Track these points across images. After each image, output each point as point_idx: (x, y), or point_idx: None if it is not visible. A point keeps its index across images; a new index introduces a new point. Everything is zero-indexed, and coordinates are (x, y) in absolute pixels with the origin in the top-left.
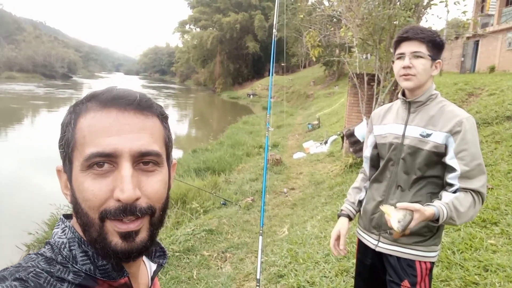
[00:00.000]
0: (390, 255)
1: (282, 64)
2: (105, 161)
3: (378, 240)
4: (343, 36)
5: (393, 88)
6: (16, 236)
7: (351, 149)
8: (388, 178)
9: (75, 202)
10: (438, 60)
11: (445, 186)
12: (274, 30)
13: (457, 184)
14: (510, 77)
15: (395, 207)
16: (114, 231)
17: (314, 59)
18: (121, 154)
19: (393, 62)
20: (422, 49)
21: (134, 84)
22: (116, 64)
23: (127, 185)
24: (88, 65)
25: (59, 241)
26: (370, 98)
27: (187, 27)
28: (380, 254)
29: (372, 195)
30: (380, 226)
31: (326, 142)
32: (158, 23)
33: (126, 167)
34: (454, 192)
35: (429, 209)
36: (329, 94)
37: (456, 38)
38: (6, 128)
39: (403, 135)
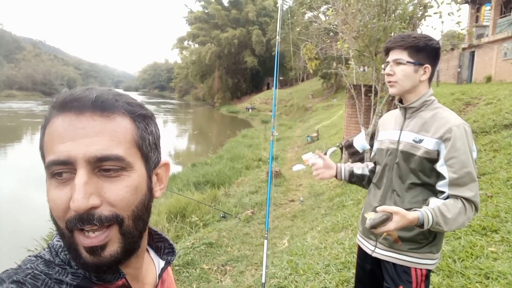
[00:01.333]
0: (387, 261)
1: (281, 78)
2: (63, 169)
3: (375, 246)
4: (339, 48)
5: (390, 98)
6: (15, 252)
7: (350, 160)
8: (385, 183)
9: (52, 212)
10: (426, 65)
11: (437, 193)
12: (277, 37)
13: (447, 191)
14: (507, 86)
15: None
16: (78, 242)
17: (311, 71)
18: (75, 160)
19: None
20: (403, 55)
21: None
22: (116, 81)
23: (76, 194)
24: (87, 83)
25: (57, 244)
26: (368, 108)
27: (185, 43)
28: (378, 260)
29: (369, 201)
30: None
31: (325, 154)
32: (157, 40)
33: (79, 174)
34: (445, 198)
35: (413, 214)
36: (328, 107)
37: (452, 49)
38: (5, 146)
39: (398, 141)
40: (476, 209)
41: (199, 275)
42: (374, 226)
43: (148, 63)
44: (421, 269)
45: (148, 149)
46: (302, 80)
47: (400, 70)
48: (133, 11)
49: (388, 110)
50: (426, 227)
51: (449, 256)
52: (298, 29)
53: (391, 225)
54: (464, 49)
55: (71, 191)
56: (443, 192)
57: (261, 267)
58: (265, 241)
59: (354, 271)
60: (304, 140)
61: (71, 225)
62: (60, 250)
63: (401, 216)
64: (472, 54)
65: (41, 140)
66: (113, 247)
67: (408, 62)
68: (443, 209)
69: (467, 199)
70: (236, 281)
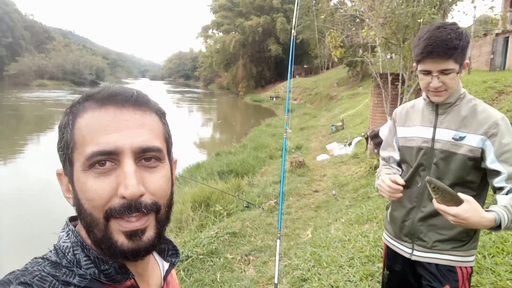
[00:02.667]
0: (429, 263)
1: (305, 66)
2: (106, 159)
3: (412, 249)
4: (365, 36)
5: (418, 87)
6: (47, 237)
7: (375, 150)
8: (420, 184)
9: (78, 204)
10: (466, 61)
11: (493, 191)
12: (293, 31)
13: (507, 185)
14: None
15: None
16: (119, 230)
17: (336, 59)
18: (122, 151)
19: (415, 69)
20: (450, 64)
21: (160, 89)
22: (142, 70)
23: (130, 181)
24: (115, 72)
25: (63, 245)
26: (395, 98)
27: (210, 31)
28: (411, 261)
29: (401, 202)
30: (412, 234)
31: (350, 144)
32: (182, 29)
33: (128, 163)
34: (507, 193)
35: (488, 214)
36: (353, 95)
37: (485, 34)
38: (39, 134)
39: (433, 139)
40: None
41: (223, 264)
42: (442, 196)
43: (174, 52)
44: (466, 267)
45: (170, 144)
46: (327, 68)
47: (449, 79)
48: (158, 0)
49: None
50: (503, 227)
51: (479, 252)
52: (323, 16)
53: (453, 210)
54: (497, 34)
55: (117, 179)
56: (501, 188)
57: (284, 258)
58: (278, 241)
59: (379, 265)
60: (329, 129)
61: (115, 213)
62: (67, 251)
63: (473, 209)
64: (506, 40)
65: (70, 133)
66: (150, 232)
67: (458, 66)
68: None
69: None
70: (259, 272)
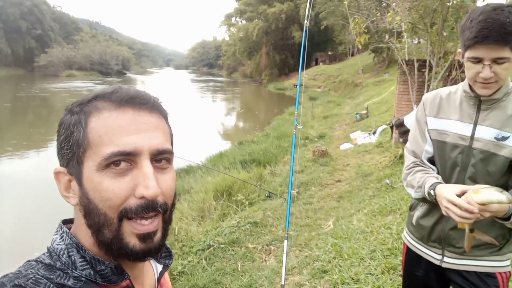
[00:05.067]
0: (465, 270)
1: (329, 53)
2: (123, 159)
3: (443, 255)
4: (391, 21)
5: (447, 74)
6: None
7: (401, 140)
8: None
9: (86, 203)
10: None
11: (509, 188)
12: (305, 22)
13: None
14: None
15: (471, 228)
16: (131, 232)
17: (360, 46)
18: (141, 152)
19: (461, 56)
20: (506, 52)
21: (184, 78)
22: (167, 60)
23: (152, 182)
24: (140, 62)
25: (57, 248)
26: (421, 85)
27: (233, 20)
28: (437, 267)
29: (432, 206)
30: (443, 240)
31: (374, 132)
32: (205, 17)
33: (147, 165)
34: None
35: None
36: (379, 82)
37: None
38: None
39: (472, 137)
40: None
41: (244, 254)
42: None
43: (197, 41)
44: (505, 272)
45: (173, 147)
46: (352, 55)
47: (503, 70)
48: None
49: (444, 86)
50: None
51: None
52: (346, 2)
53: (494, 207)
54: None
55: (134, 180)
56: None
57: (305, 249)
58: (285, 241)
59: (401, 258)
60: (353, 117)
61: (131, 213)
62: (61, 253)
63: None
64: None
65: (83, 132)
66: (159, 234)
67: (511, 58)
68: None
69: None
70: (280, 262)
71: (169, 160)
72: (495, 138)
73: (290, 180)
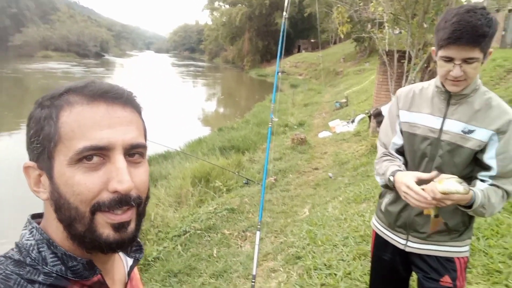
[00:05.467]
0: (427, 255)
1: (312, 41)
2: (96, 154)
3: (407, 240)
4: (373, 11)
5: (425, 65)
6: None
7: (378, 129)
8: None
9: (57, 198)
10: (490, 50)
11: (473, 179)
12: (284, 14)
13: (489, 180)
14: None
15: (436, 213)
16: (105, 223)
17: (342, 36)
18: (114, 146)
19: (434, 53)
20: (476, 53)
21: (165, 62)
22: (147, 42)
23: (125, 176)
24: (120, 44)
25: (27, 243)
26: (400, 76)
27: (216, 4)
28: (402, 251)
29: (399, 195)
30: (408, 226)
31: (353, 121)
32: (188, 0)
33: (120, 159)
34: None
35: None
36: (359, 71)
37: (497, 11)
38: None
39: (441, 130)
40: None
41: (220, 240)
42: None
43: (179, 25)
44: (463, 258)
45: (146, 141)
46: (335, 43)
47: (472, 69)
48: None
49: (422, 78)
50: (474, 206)
51: (473, 233)
52: None
53: (456, 196)
54: (510, 10)
55: (107, 174)
56: (483, 181)
57: (281, 235)
58: (257, 232)
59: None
60: (333, 106)
61: (104, 207)
62: (31, 249)
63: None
64: None
65: (54, 127)
66: (132, 225)
67: (482, 55)
68: (490, 193)
69: (507, 192)
70: None
71: (142, 154)
72: (462, 131)
73: (264, 174)
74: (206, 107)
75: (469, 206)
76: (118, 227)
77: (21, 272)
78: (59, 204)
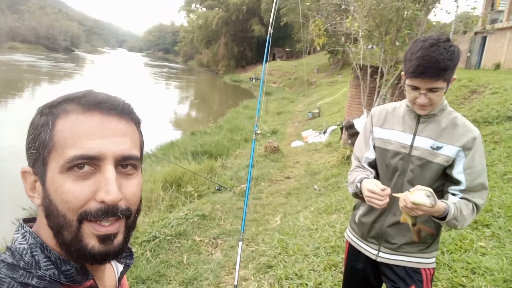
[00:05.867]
0: (395, 265)
1: (287, 49)
2: (87, 163)
3: (378, 250)
4: (349, 27)
5: (396, 81)
6: (13, 210)
7: (349, 141)
8: (392, 188)
9: (48, 204)
10: (454, 77)
11: (445, 193)
12: (269, 29)
13: (460, 194)
14: None
15: (413, 222)
16: (92, 234)
17: (318, 48)
18: (105, 157)
19: (404, 78)
20: (439, 83)
21: (137, 61)
22: (120, 40)
23: (113, 187)
24: (91, 40)
25: (20, 247)
26: (372, 91)
27: (193, 6)
28: (374, 261)
29: (372, 207)
30: (380, 236)
31: (325, 132)
32: (164, 0)
33: (110, 170)
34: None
35: (441, 204)
36: (332, 83)
37: (464, 33)
38: (6, 99)
39: (411, 146)
40: (477, 213)
41: (190, 247)
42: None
43: (154, 24)
44: (429, 269)
45: (142, 153)
46: (309, 53)
47: (436, 96)
48: None
49: (393, 93)
50: (447, 219)
51: (438, 247)
52: (308, 4)
53: (425, 208)
54: (476, 33)
55: (96, 184)
56: (454, 194)
57: (253, 243)
58: (240, 242)
59: (343, 256)
60: (306, 115)
61: (90, 216)
62: (24, 253)
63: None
64: (484, 40)
65: (49, 134)
66: (120, 237)
67: (446, 84)
68: (462, 206)
69: (476, 205)
70: (227, 256)
71: (135, 166)
72: (431, 147)
73: (248, 183)
74: (178, 110)
75: (443, 218)
76: (104, 239)
77: (14, 276)
78: (49, 211)
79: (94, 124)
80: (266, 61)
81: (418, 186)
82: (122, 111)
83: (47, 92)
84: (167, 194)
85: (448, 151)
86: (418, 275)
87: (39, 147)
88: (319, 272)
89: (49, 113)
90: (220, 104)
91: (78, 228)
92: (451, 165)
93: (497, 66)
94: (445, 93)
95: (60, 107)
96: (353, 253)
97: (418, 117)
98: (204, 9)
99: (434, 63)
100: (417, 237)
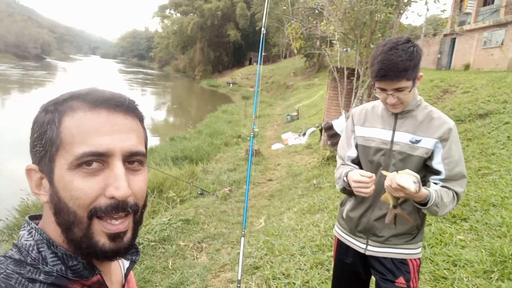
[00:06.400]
0: (384, 257)
1: (263, 54)
2: (95, 160)
3: (367, 244)
4: (324, 30)
5: (372, 83)
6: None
7: (329, 142)
8: (377, 183)
9: (57, 201)
10: (420, 74)
11: (426, 183)
12: (263, 29)
13: (440, 183)
14: (484, 76)
15: (394, 204)
16: (102, 231)
17: (296, 51)
18: (114, 153)
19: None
20: (403, 83)
21: (111, 68)
22: (93, 47)
23: (122, 183)
24: (62, 47)
25: (26, 243)
26: (349, 92)
27: (167, 12)
28: (362, 254)
29: (359, 200)
30: (367, 230)
31: (304, 134)
32: (137, 6)
33: (119, 166)
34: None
35: (423, 190)
36: (309, 86)
37: (434, 35)
38: None
39: (392, 141)
40: (457, 203)
41: (175, 252)
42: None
43: (128, 30)
44: (415, 259)
45: (147, 149)
46: (285, 57)
47: (404, 95)
48: None
49: (370, 94)
50: (429, 205)
51: (423, 238)
52: (284, 8)
53: (408, 191)
54: (445, 35)
55: (105, 180)
56: (435, 184)
57: (238, 246)
58: (242, 238)
59: (328, 254)
60: (284, 118)
61: (100, 212)
62: (31, 249)
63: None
64: (453, 41)
65: (56, 131)
66: (129, 234)
67: (411, 82)
68: (443, 193)
69: (456, 193)
70: (212, 259)
71: (141, 162)
72: (410, 141)
73: (247, 177)
74: (155, 116)
75: (424, 204)
76: (114, 237)
77: (22, 272)
78: (59, 208)
79: (101, 121)
80: (260, 59)
81: (407, 170)
82: (128, 108)
83: (18, 101)
84: (148, 200)
85: (427, 143)
86: (405, 266)
87: (45, 145)
88: (306, 270)
89: (55, 110)
90: (198, 109)
91: (89, 225)
92: (430, 157)
93: (467, 67)
94: (410, 91)
95: (66, 104)
96: (342, 248)
97: (396, 114)
98: (178, 14)
99: (393, 65)
100: (391, 219)
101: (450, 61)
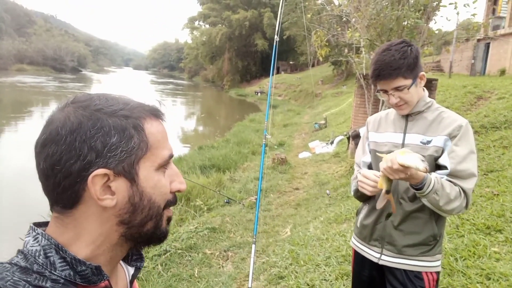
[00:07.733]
0: (396, 268)
1: (291, 62)
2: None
3: (381, 253)
4: (350, 38)
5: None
6: (21, 226)
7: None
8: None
9: (137, 201)
10: (421, 73)
11: None
12: (275, 37)
13: (445, 177)
14: None
15: (388, 189)
16: (166, 217)
17: (321, 59)
18: (173, 155)
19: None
20: (399, 81)
21: (143, 79)
22: (126, 59)
23: (182, 179)
24: (97, 60)
25: (32, 249)
26: (377, 99)
27: (196, 23)
28: (379, 266)
29: (372, 206)
30: (383, 238)
31: (332, 142)
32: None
33: (174, 166)
34: None
35: (422, 173)
36: (337, 94)
37: (467, 40)
38: (17, 120)
39: (403, 144)
40: (467, 205)
41: (201, 260)
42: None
43: (159, 42)
44: (431, 273)
45: None
46: (313, 66)
47: (405, 94)
48: None
49: None
50: (425, 189)
51: (451, 254)
52: (309, 15)
53: (411, 171)
54: (479, 40)
55: (170, 177)
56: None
57: (263, 255)
58: (253, 245)
59: None
60: (312, 127)
61: (171, 204)
62: (37, 254)
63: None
64: (487, 46)
65: (143, 135)
66: None
67: (410, 81)
68: (445, 183)
69: (463, 189)
70: (237, 268)
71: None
72: (421, 142)
73: (259, 184)
74: (185, 126)
75: (420, 188)
76: (168, 220)
77: (28, 279)
78: (137, 206)
79: (162, 128)
80: (273, 66)
81: (405, 149)
82: (164, 117)
83: None
84: (176, 208)
85: (437, 141)
86: (419, 281)
87: (132, 149)
88: (331, 281)
89: (130, 116)
90: (226, 118)
91: (161, 215)
92: (440, 155)
93: (502, 72)
94: (409, 89)
95: (134, 111)
96: (358, 259)
97: (407, 116)
98: (207, 25)
99: (386, 65)
100: (381, 204)
101: (485, 67)
